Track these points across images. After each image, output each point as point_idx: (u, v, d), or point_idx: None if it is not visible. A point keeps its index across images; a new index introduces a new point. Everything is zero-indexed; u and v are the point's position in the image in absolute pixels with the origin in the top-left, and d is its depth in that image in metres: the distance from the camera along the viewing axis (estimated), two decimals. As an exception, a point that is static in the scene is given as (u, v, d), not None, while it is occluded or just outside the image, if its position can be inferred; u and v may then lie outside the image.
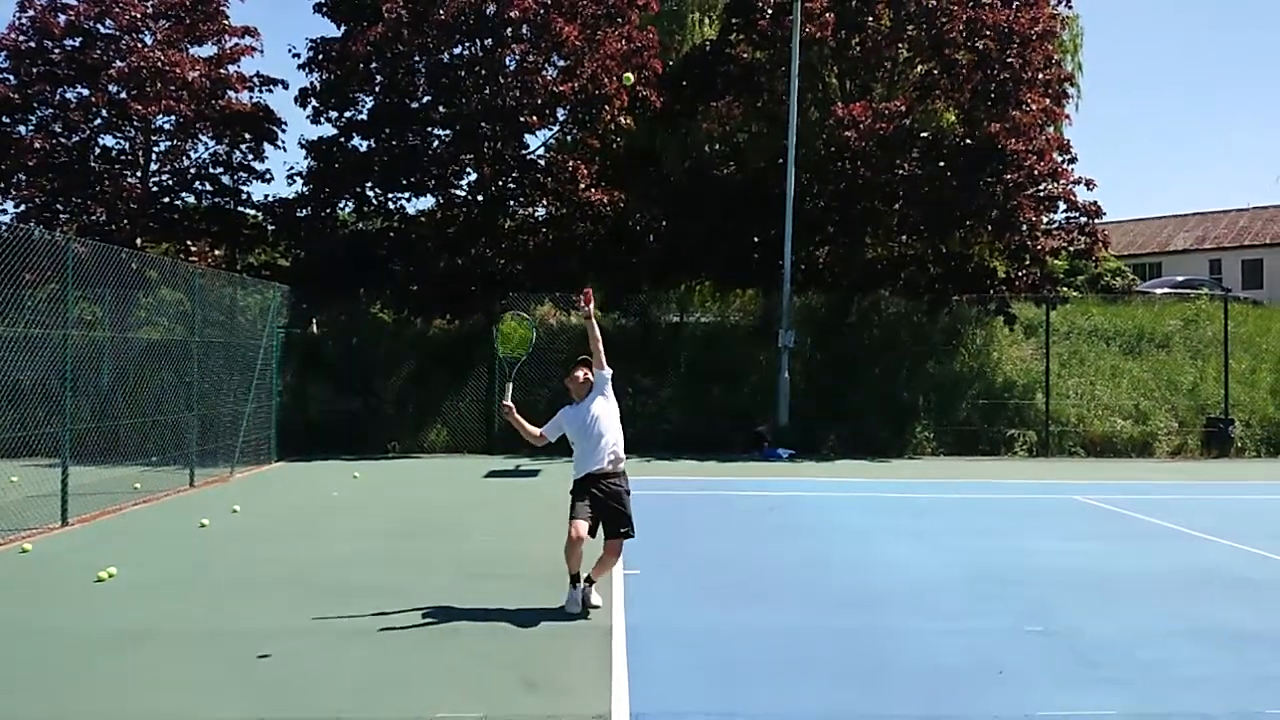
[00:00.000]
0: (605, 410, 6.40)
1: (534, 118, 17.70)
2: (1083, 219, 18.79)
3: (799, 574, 7.48)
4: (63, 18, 19.01)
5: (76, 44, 19.17)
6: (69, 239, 9.75)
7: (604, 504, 6.23)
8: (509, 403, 6.58)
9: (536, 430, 6.55)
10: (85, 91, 19.15)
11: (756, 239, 19.45)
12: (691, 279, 21.26)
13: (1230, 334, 18.76)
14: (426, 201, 19.49)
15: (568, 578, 6.26)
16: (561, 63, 18.30)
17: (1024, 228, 18.12)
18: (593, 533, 6.22)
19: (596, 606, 6.29)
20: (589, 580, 6.33)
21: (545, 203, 19.27)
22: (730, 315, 20.90)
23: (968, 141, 17.97)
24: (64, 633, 5.78)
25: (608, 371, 6.50)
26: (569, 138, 19.91)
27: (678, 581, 7.07)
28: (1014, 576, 7.41)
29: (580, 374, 6.50)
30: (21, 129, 19.18)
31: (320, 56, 18.09)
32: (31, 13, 19.02)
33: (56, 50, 19.14)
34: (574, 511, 6.21)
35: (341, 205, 19.23)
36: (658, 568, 7.36)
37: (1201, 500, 12.15)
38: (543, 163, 18.91)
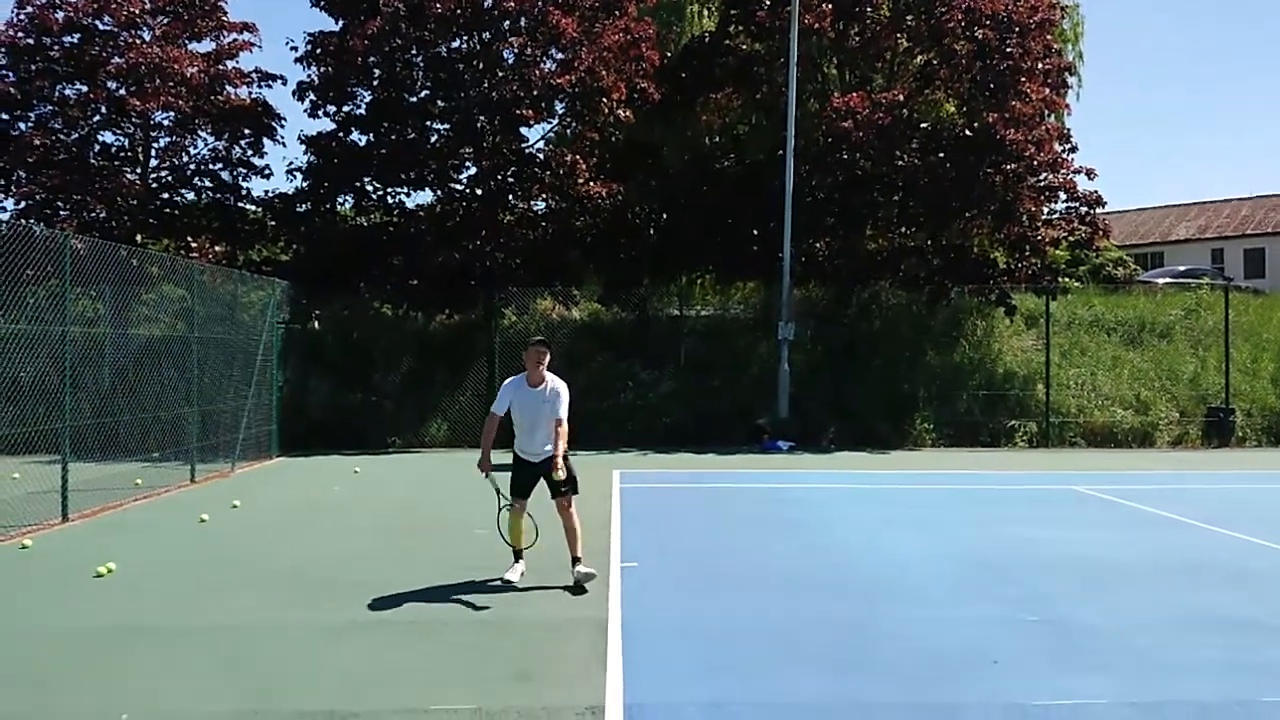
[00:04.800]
0: (551, 410, 6.56)
1: (531, 111, 17.67)
2: (1083, 209, 18.78)
3: (797, 565, 7.49)
4: (61, 14, 18.97)
5: (75, 40, 19.14)
6: (66, 236, 9.75)
7: (536, 471, 6.72)
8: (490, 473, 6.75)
9: (488, 436, 6.70)
10: (84, 88, 19.12)
11: (756, 231, 19.44)
12: (691, 272, 21.26)
13: (1231, 323, 18.72)
14: (425, 196, 19.52)
15: (513, 555, 6.88)
16: (559, 55, 18.26)
17: (1024, 218, 18.12)
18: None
19: (592, 574, 6.64)
20: (575, 559, 6.69)
21: (544, 196, 19.24)
22: (730, 308, 20.89)
23: (967, 132, 17.93)
24: (62, 628, 5.81)
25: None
26: (568, 131, 19.88)
27: (675, 574, 7.08)
28: (1011, 566, 7.42)
29: (547, 357, 6.65)
30: (21, 126, 19.15)
31: (318, 50, 18.06)
32: (30, 9, 18.98)
33: (55, 47, 19.11)
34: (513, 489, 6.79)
35: (341, 200, 19.24)
36: (656, 561, 7.38)
37: (1201, 490, 12.15)
38: (541, 156, 18.87)
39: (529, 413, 6.58)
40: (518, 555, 6.91)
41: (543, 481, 6.73)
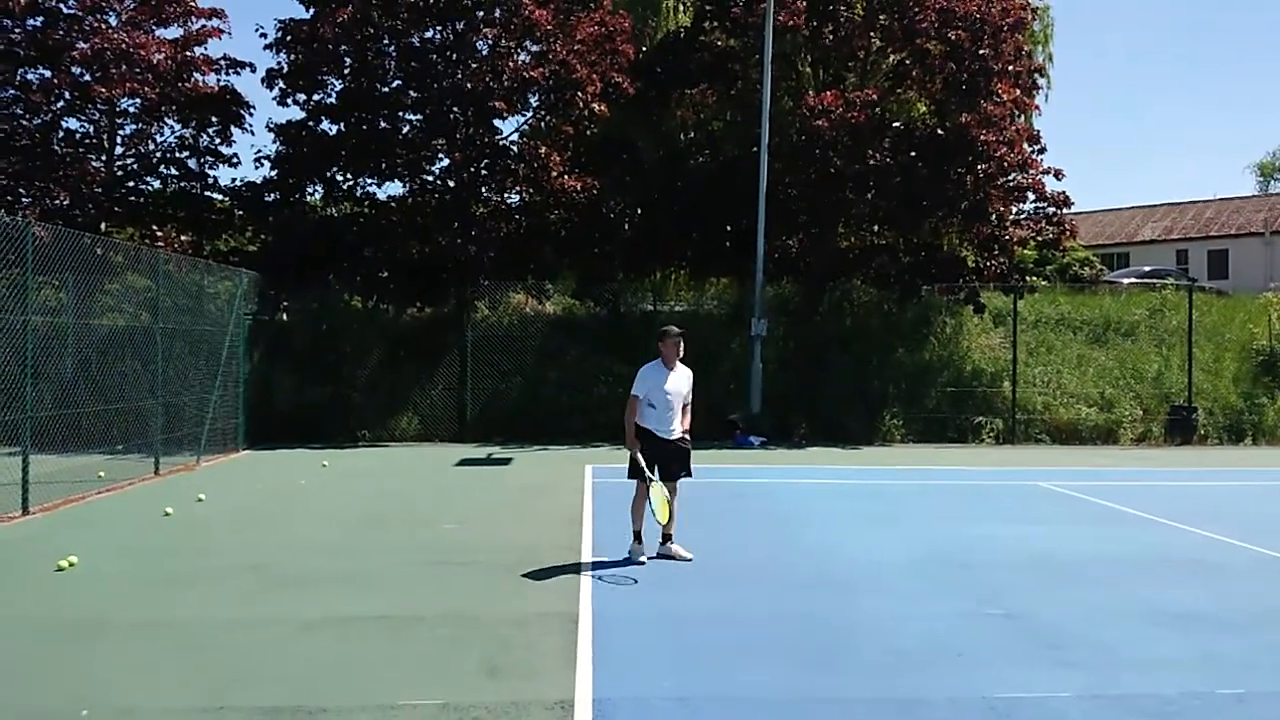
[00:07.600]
0: (683, 392, 7.39)
1: (504, 103, 17.55)
2: (1051, 209, 19.00)
3: (767, 560, 7.53)
4: (23, -4, 18.55)
5: (38, 23, 18.70)
6: (28, 223, 9.56)
7: (664, 454, 7.27)
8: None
9: (634, 419, 7.29)
10: (47, 73, 18.68)
11: (730, 228, 19.47)
12: (665, 267, 21.25)
13: (1195, 323, 19.05)
14: (397, 187, 19.31)
15: (631, 535, 7.26)
16: (533, 47, 18.16)
17: (993, 218, 18.29)
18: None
19: (688, 558, 7.26)
20: (667, 537, 7.32)
21: (518, 190, 19.14)
22: (703, 304, 20.91)
23: (939, 132, 18.06)
24: (22, 621, 5.70)
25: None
26: (542, 124, 19.78)
27: (645, 568, 7.09)
28: (976, 561, 7.51)
29: (680, 345, 7.39)
30: (-19, 111, 18.75)
31: (288, 38, 17.80)
32: (-9, -9, 18.55)
33: (17, 30, 18.66)
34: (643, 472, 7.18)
35: (310, 190, 19.00)
36: (626, 555, 7.37)
37: (1163, 486, 12.36)
38: (515, 149, 18.77)
39: (668, 395, 7.26)
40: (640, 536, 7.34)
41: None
